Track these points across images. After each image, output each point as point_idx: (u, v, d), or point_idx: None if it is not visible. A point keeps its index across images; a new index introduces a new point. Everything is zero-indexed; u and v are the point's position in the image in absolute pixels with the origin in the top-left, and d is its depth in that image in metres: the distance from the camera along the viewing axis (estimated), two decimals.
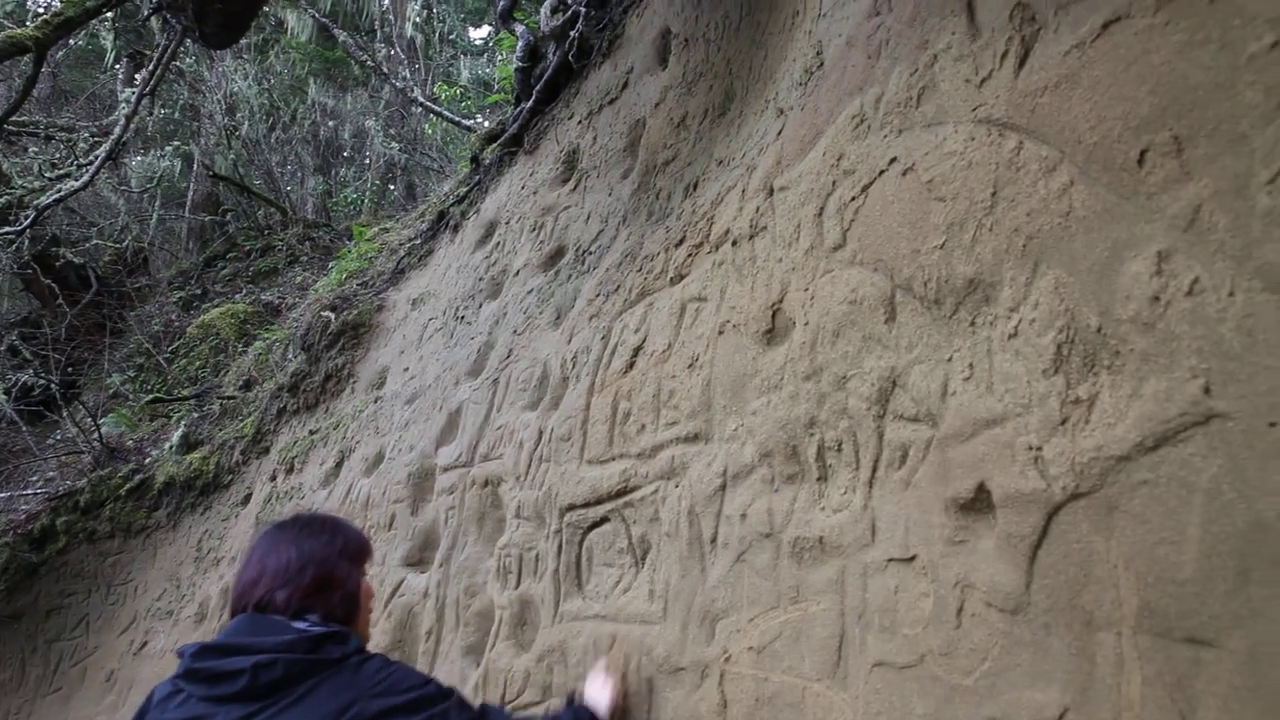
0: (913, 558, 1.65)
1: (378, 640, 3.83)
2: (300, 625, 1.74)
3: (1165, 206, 1.37)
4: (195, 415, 8.43)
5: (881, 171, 1.99)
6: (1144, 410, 1.33)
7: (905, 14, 2.12)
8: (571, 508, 2.74)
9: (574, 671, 2.51)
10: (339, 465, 5.28)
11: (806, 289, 2.10)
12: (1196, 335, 1.29)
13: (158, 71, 7.14)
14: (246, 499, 6.57)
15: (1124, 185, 1.44)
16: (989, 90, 1.77)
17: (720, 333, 2.37)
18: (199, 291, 12.55)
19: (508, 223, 4.78)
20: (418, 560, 3.90)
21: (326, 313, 6.61)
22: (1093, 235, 1.48)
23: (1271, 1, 1.26)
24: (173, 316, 11.48)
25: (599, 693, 2.20)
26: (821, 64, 2.48)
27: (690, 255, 2.71)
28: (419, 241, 6.31)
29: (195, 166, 14.50)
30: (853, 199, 2.06)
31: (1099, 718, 1.34)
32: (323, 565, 1.84)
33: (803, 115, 2.43)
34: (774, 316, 2.19)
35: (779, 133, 2.55)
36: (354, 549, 1.94)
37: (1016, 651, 1.46)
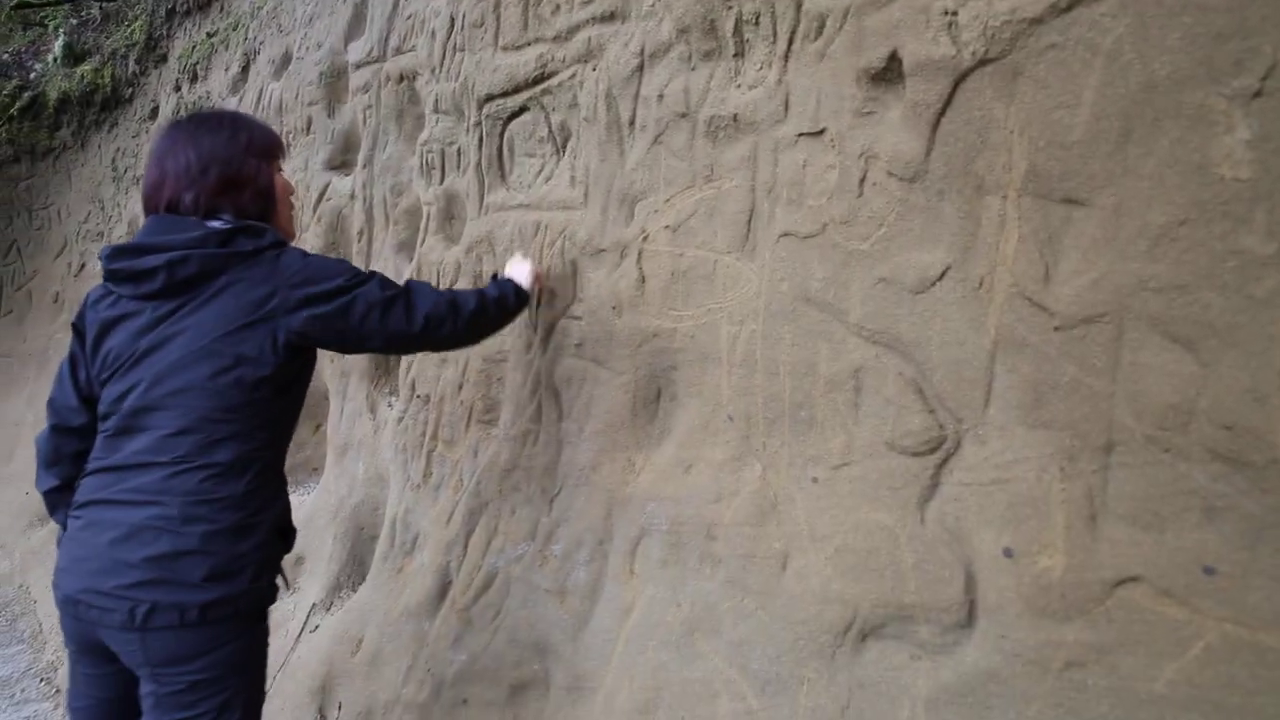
0: (822, 131, 1.67)
1: (311, 244, 3.89)
2: (213, 224, 1.73)
3: None
4: (74, 22, 7.62)
5: None
6: None
7: None
8: (490, 98, 2.65)
9: (502, 260, 2.61)
10: (245, 70, 4.95)
11: None
12: None
13: None
14: (154, 112, 6.21)
15: None
16: None
17: None
18: None
19: None
20: (340, 163, 3.83)
21: None
22: None
23: None
24: None
25: (519, 268, 2.26)
26: None
27: None
28: None
29: None
30: None
31: (976, 273, 1.46)
32: (227, 165, 1.77)
33: None
34: None
35: None
36: (260, 144, 1.85)
37: (911, 217, 1.55)
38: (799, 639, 1.71)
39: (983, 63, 1.40)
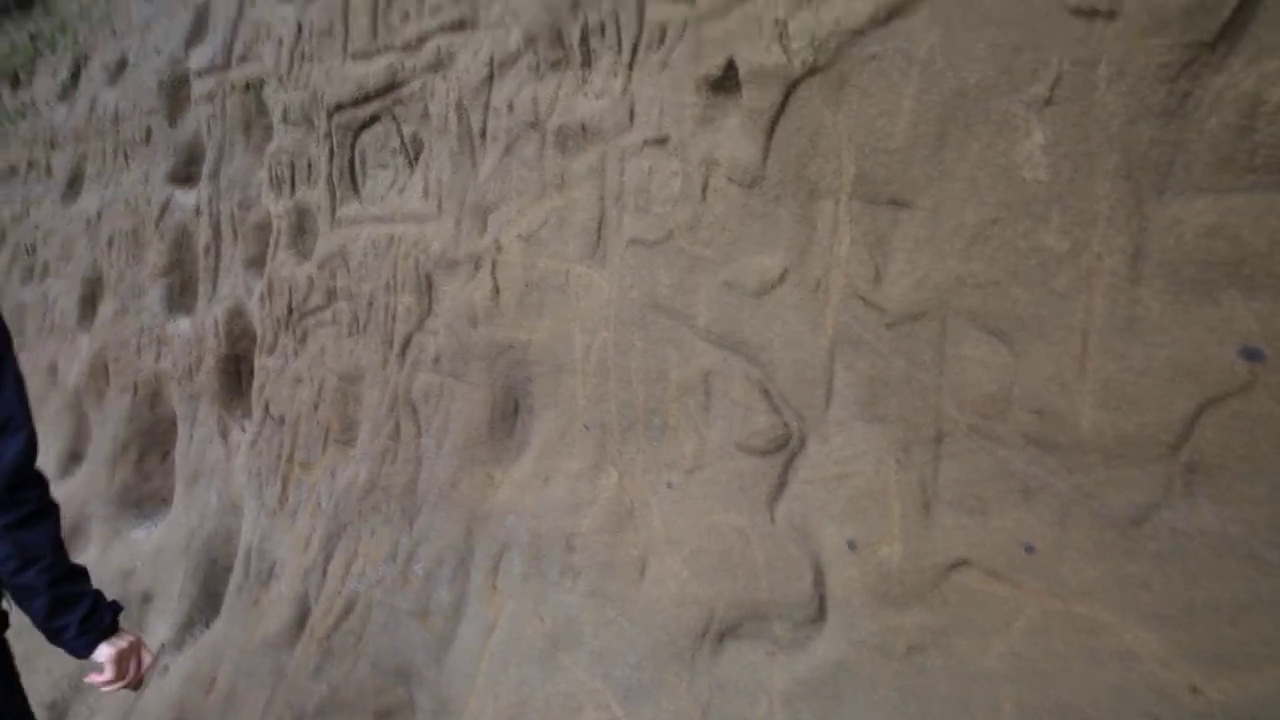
0: (666, 138, 1.69)
1: (154, 263, 3.69)
2: None
3: None
4: None
5: None
6: None
7: None
8: (339, 108, 2.58)
9: (356, 274, 2.54)
10: (75, 76, 4.65)
11: None
12: None
13: None
14: None
15: None
16: None
17: None
18: None
19: None
20: (184, 177, 3.65)
21: None
22: None
23: None
24: None
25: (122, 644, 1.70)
26: None
27: None
28: None
29: None
30: None
31: (813, 275, 1.51)
32: None
33: None
34: None
35: None
36: None
37: (750, 222, 1.59)
38: (658, 644, 1.72)
39: (812, 71, 1.45)
